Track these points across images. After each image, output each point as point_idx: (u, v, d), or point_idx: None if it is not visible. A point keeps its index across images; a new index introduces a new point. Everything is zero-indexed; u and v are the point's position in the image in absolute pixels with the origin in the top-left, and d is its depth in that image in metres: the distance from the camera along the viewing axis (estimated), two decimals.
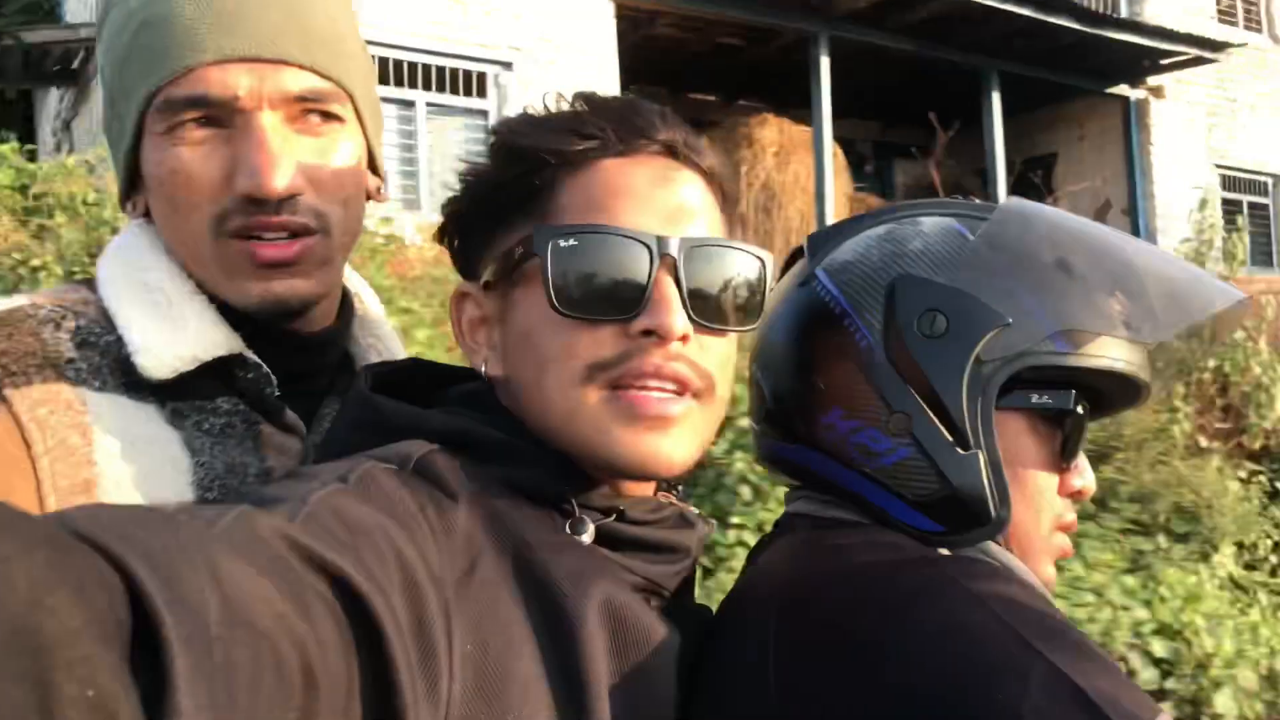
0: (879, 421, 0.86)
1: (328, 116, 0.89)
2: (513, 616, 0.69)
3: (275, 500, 0.63)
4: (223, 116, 0.85)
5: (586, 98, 0.82)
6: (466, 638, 0.65)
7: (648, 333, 0.75)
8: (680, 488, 0.90)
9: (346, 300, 1.02)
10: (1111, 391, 0.92)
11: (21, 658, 0.36)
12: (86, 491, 0.80)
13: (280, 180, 0.84)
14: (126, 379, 0.86)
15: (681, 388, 0.77)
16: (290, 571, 0.55)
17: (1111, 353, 0.86)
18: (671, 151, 0.81)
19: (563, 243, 0.75)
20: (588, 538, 0.77)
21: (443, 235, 0.88)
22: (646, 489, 0.84)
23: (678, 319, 0.75)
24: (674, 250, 0.76)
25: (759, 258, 0.82)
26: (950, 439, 0.84)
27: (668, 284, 0.76)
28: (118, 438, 0.83)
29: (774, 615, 0.80)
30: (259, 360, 0.90)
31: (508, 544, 0.72)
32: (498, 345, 0.82)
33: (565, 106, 0.82)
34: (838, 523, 0.89)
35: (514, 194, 0.80)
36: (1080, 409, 0.89)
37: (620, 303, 0.75)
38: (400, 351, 1.07)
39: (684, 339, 0.76)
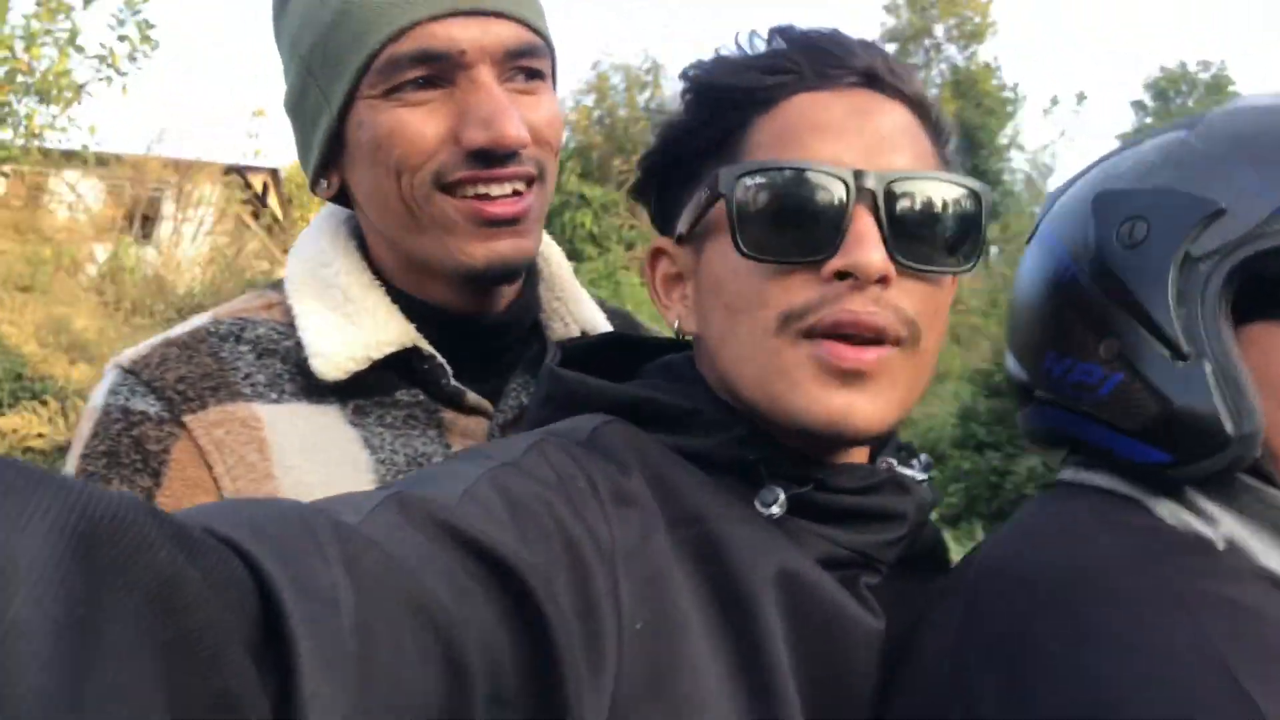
0: (1091, 353, 0.77)
1: (533, 72, 0.88)
2: (685, 595, 0.65)
3: (435, 482, 0.61)
4: (444, 73, 0.84)
5: (782, 31, 0.77)
6: (636, 616, 0.62)
7: (841, 275, 0.69)
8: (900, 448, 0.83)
9: (531, 266, 0.98)
10: None
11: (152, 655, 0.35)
12: None
13: (516, 129, 0.82)
14: (308, 382, 0.86)
15: (879, 335, 0.69)
16: (441, 556, 0.53)
17: None
18: (873, 80, 0.75)
19: (748, 181, 0.70)
20: (778, 509, 0.71)
21: (640, 192, 0.85)
22: (856, 454, 0.77)
23: (875, 257, 0.68)
24: (872, 184, 0.69)
25: (974, 191, 0.74)
26: (1167, 353, 0.73)
27: (866, 221, 0.69)
28: (295, 448, 0.84)
29: (962, 605, 0.71)
30: (434, 351, 0.89)
31: (683, 517, 0.69)
32: (690, 301, 0.79)
33: (760, 45, 0.78)
34: (1070, 492, 0.79)
35: (706, 139, 0.77)
36: None
37: (813, 244, 0.69)
38: (589, 306, 1.03)
39: (884, 281, 0.69)
